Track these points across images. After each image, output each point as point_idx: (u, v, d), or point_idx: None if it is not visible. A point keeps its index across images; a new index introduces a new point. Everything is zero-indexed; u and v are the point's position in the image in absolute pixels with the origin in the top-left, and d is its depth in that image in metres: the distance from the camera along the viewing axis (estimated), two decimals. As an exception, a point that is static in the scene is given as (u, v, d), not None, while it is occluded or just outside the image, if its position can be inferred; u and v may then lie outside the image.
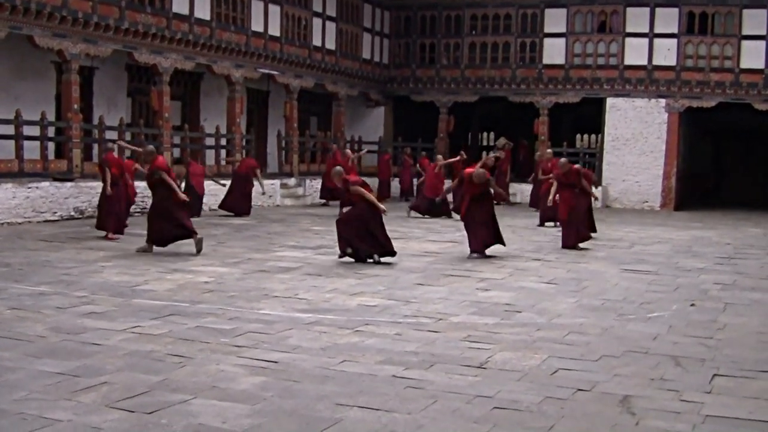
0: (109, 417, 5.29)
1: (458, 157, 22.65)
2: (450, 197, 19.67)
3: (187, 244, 13.39)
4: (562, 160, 16.28)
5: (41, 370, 6.27)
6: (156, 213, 13.28)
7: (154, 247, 13.27)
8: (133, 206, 17.32)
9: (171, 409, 5.48)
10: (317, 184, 26.49)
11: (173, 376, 6.26)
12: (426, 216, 21.69)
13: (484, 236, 13.81)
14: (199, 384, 6.07)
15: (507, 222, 20.39)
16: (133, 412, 5.40)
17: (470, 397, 5.96)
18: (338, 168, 13.61)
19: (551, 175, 17.85)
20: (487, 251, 13.90)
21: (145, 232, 13.44)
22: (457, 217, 16.50)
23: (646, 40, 28.10)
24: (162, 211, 13.21)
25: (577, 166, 16.60)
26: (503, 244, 14.15)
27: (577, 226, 15.46)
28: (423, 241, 16.14)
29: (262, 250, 14.10)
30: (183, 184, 19.75)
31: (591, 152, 29.76)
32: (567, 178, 15.55)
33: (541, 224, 19.53)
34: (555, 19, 29.23)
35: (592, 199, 17.07)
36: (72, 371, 6.29)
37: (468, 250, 13.87)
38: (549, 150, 23.21)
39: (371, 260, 12.83)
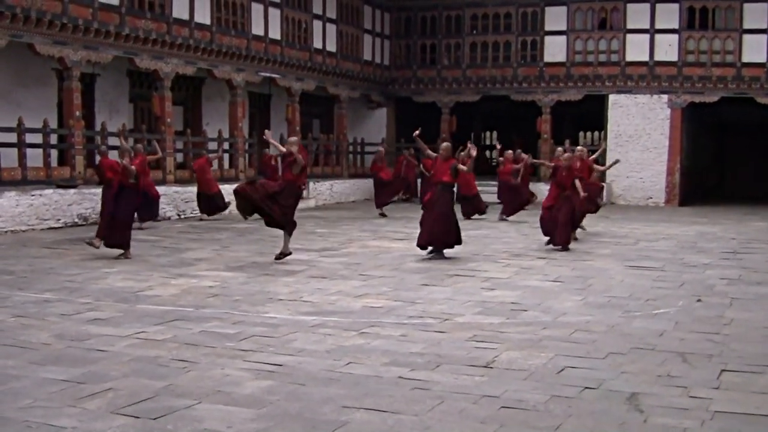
0: (115, 423, 5.27)
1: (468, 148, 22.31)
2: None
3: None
4: (566, 154, 15.96)
5: (46, 378, 6.26)
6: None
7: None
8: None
9: (176, 414, 5.46)
10: (321, 186, 26.55)
11: (178, 381, 6.25)
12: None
13: (424, 235, 13.51)
14: (204, 389, 6.05)
15: (511, 220, 20.41)
16: (138, 417, 5.38)
17: (477, 397, 5.93)
18: (295, 138, 13.77)
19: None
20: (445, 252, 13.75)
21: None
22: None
23: (647, 36, 28.08)
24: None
25: (579, 159, 16.39)
26: (451, 246, 13.69)
27: (572, 225, 15.33)
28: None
29: (266, 253, 14.05)
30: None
31: (594, 149, 29.68)
32: (565, 174, 14.97)
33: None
34: (555, 17, 29.22)
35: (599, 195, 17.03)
36: (77, 378, 6.27)
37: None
38: (560, 149, 22.81)
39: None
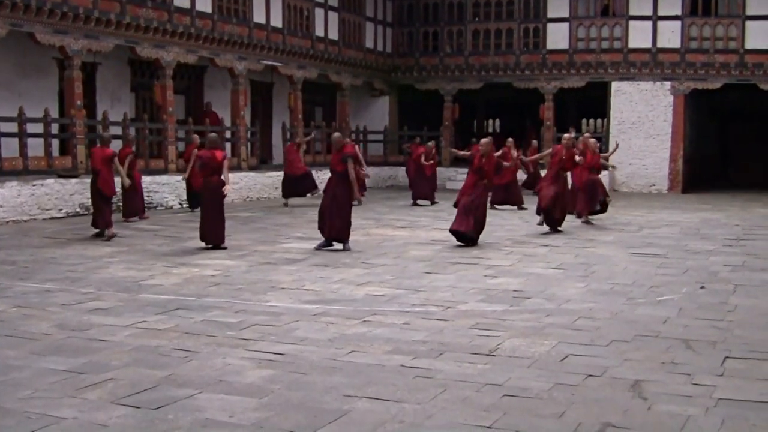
0: (115, 413, 5.25)
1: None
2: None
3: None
4: (566, 135, 16.33)
5: (46, 368, 6.23)
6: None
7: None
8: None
9: (177, 404, 5.44)
10: (324, 175, 26.41)
11: (179, 370, 6.22)
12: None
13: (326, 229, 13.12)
14: (206, 378, 6.02)
15: (514, 208, 20.37)
16: (139, 407, 5.36)
17: (480, 385, 5.90)
18: (214, 135, 13.93)
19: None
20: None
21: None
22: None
23: (649, 23, 27.96)
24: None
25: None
26: (340, 241, 13.17)
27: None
28: (430, 229, 16.08)
29: (269, 242, 14.05)
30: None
31: (597, 136, 29.59)
32: (484, 161, 13.94)
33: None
34: (558, 4, 29.09)
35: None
36: (77, 368, 6.24)
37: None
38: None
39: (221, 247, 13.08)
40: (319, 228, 13.20)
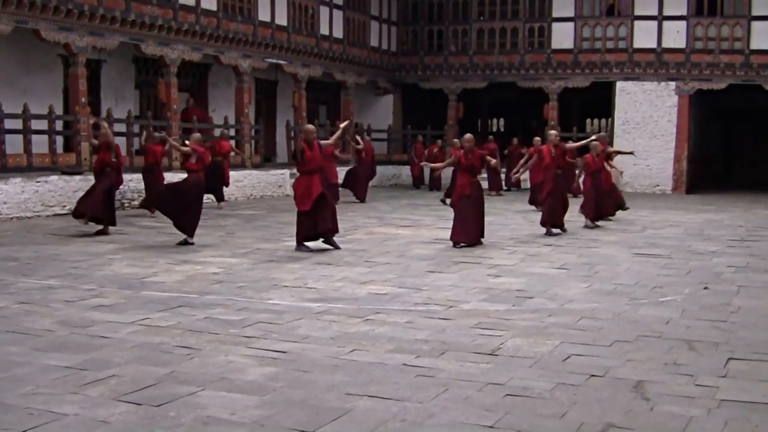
0: (117, 410, 5.24)
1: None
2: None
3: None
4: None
5: (49, 364, 6.23)
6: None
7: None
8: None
9: (179, 401, 5.43)
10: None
11: (181, 368, 6.21)
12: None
13: (311, 227, 12.83)
14: (208, 376, 6.02)
15: (517, 207, 20.36)
16: (140, 405, 5.35)
17: (482, 384, 5.89)
18: (198, 135, 14.38)
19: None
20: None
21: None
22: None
23: (655, 23, 27.93)
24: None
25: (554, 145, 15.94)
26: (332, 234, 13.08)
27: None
28: (433, 228, 16.06)
29: (272, 239, 14.05)
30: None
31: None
32: (471, 158, 13.85)
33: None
34: (563, 3, 29.08)
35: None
36: (80, 365, 6.24)
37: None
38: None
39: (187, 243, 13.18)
40: (309, 234, 12.79)
